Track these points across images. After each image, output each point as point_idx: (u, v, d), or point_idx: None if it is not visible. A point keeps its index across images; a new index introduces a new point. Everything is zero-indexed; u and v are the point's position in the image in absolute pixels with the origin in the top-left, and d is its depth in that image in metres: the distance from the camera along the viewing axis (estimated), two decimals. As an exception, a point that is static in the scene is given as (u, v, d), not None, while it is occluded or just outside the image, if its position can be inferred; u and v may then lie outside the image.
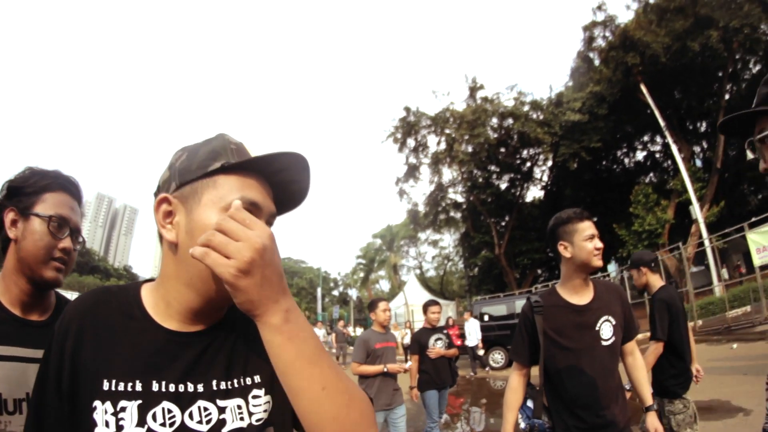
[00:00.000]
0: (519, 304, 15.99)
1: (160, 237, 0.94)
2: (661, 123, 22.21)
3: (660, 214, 21.91)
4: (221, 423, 0.89)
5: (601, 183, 30.37)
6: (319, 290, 52.90)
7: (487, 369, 16.38)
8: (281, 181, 0.97)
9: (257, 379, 0.97)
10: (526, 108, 26.51)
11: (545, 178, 32.42)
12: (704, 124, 26.54)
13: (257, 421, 0.94)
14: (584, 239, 2.40)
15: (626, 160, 31.73)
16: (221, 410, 0.90)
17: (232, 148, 0.94)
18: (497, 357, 16.28)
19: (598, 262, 2.38)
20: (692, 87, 24.16)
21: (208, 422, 0.88)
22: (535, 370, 2.55)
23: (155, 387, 0.86)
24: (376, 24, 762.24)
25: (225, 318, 0.99)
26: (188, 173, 0.91)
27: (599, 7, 24.30)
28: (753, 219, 14.32)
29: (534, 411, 2.50)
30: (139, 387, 0.85)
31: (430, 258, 52.10)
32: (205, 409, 0.89)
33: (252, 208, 0.89)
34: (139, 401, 0.84)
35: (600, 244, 2.38)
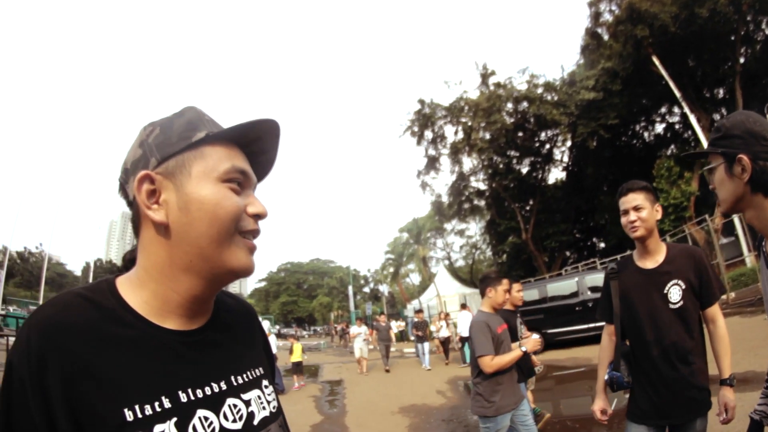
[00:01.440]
0: (550, 287, 16.00)
1: (137, 223, 0.89)
2: (677, 93, 21.76)
3: (684, 186, 21.57)
4: (251, 416, 0.88)
5: (622, 159, 29.92)
6: (350, 288, 53.15)
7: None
8: (253, 152, 0.95)
9: (261, 370, 0.98)
10: (539, 90, 26.22)
11: (566, 158, 32.11)
12: (721, 91, 25.85)
13: (273, 408, 0.96)
14: (621, 214, 2.61)
15: (645, 134, 31.25)
16: (247, 404, 0.89)
17: (208, 119, 0.90)
18: (533, 343, 16.20)
19: (632, 233, 2.57)
20: (705, 54, 23.52)
21: (240, 419, 0.86)
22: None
23: (184, 398, 0.80)
24: (385, 19, 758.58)
25: (214, 312, 0.96)
26: (168, 146, 0.85)
27: (602, -19, 23.84)
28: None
29: (613, 365, 2.66)
30: (167, 404, 0.77)
31: (458, 248, 51.90)
32: (235, 406, 0.87)
33: (242, 177, 0.89)
34: (175, 419, 0.77)
35: (633, 217, 2.53)
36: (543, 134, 29.16)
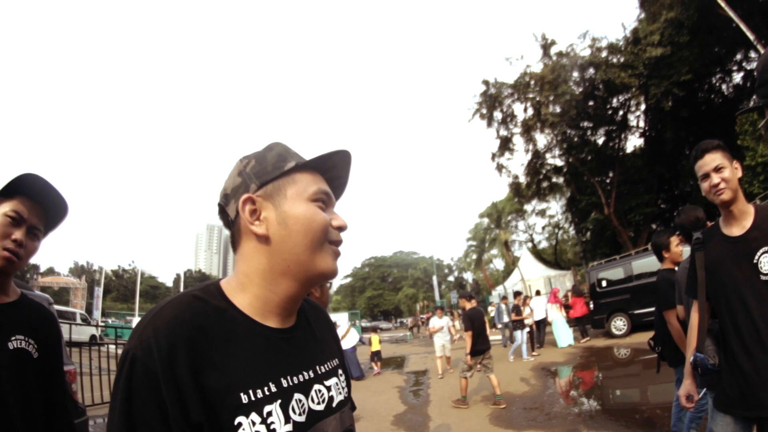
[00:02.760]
0: (636, 265, 15.35)
1: (235, 238, 1.05)
2: (750, 36, 19.87)
3: (773, 141, 19.66)
4: (331, 399, 1.06)
5: (701, 118, 27.97)
6: (434, 278, 53.25)
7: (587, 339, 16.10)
8: (330, 178, 1.13)
9: (336, 361, 1.17)
10: (604, 54, 25.03)
11: (641, 124, 30.32)
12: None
13: (347, 393, 1.16)
14: (701, 180, 2.39)
15: (724, 87, 29.04)
16: (328, 389, 1.06)
17: (293, 152, 1.08)
18: (619, 324, 15.46)
19: (718, 197, 2.32)
20: None
21: (323, 401, 1.03)
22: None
23: (285, 384, 0.95)
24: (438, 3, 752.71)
25: (299, 313, 1.12)
26: (266, 174, 1.03)
27: None
28: None
29: (697, 345, 2.47)
30: (273, 389, 0.93)
31: (540, 229, 50.74)
32: (319, 391, 1.03)
33: (326, 197, 1.07)
34: (279, 401, 0.92)
35: (717, 179, 2.31)
36: (614, 100, 27.83)
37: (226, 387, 0.86)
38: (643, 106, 27.84)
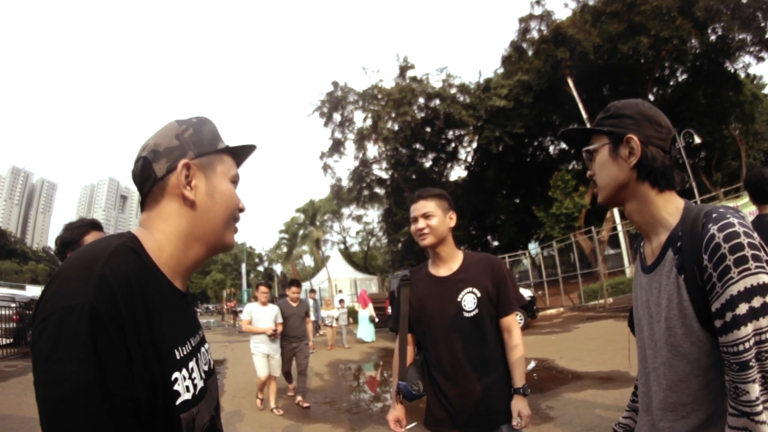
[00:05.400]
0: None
1: (154, 196, 1.06)
2: (584, 116, 23.15)
3: (577, 199, 22.93)
4: (209, 362, 1.13)
5: (524, 167, 31.32)
6: (243, 266, 52.06)
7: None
8: (237, 164, 1.23)
9: (202, 333, 1.19)
10: (453, 90, 26.93)
11: (469, 159, 33.01)
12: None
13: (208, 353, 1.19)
14: (411, 221, 2.54)
15: (551, 148, 32.79)
16: (206, 352, 1.14)
17: (220, 134, 1.20)
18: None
19: (421, 241, 2.49)
20: (619, 86, 25.51)
21: (206, 363, 1.09)
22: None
23: (192, 343, 1.03)
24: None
25: None
26: (203, 146, 1.11)
27: (538, 2, 25.22)
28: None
29: (400, 373, 2.57)
30: (189, 347, 1.00)
31: (354, 233, 52.28)
32: (203, 353, 1.10)
33: (238, 181, 1.18)
34: (194, 359, 1.00)
35: (422, 224, 2.46)
36: (450, 133, 29.87)
37: (166, 343, 0.90)
38: (474, 144, 30.21)
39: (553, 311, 18.82)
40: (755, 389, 1.06)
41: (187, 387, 0.92)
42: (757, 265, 1.07)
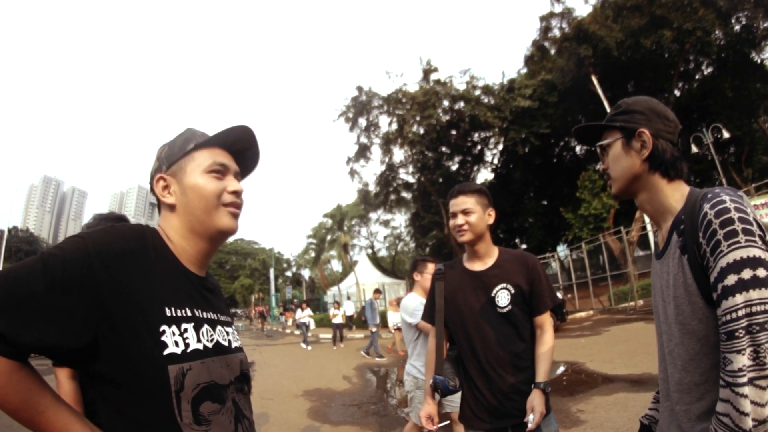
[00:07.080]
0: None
1: (159, 206, 1.28)
2: None
3: (606, 199, 22.39)
4: (231, 342, 1.25)
5: (550, 168, 30.94)
6: (272, 271, 52.52)
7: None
8: (239, 150, 1.36)
9: (230, 318, 1.37)
10: (477, 92, 26.84)
11: (495, 161, 32.82)
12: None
13: (241, 344, 1.34)
14: (450, 217, 2.55)
15: (577, 148, 32.21)
16: (228, 333, 1.27)
17: (200, 134, 1.30)
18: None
19: (459, 237, 2.49)
20: (644, 82, 24.95)
21: (225, 340, 1.22)
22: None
23: (197, 313, 1.16)
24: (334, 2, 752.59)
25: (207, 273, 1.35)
26: (172, 156, 1.26)
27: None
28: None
29: (435, 367, 2.56)
30: (189, 313, 1.13)
31: (382, 238, 52.35)
32: (223, 331, 1.24)
33: (221, 167, 1.27)
34: (193, 323, 1.12)
35: (461, 221, 2.45)
36: (476, 135, 29.75)
37: (156, 299, 1.06)
38: (500, 146, 30.03)
39: (582, 314, 18.37)
40: (739, 360, 1.10)
41: (176, 342, 1.05)
42: (747, 239, 1.13)
